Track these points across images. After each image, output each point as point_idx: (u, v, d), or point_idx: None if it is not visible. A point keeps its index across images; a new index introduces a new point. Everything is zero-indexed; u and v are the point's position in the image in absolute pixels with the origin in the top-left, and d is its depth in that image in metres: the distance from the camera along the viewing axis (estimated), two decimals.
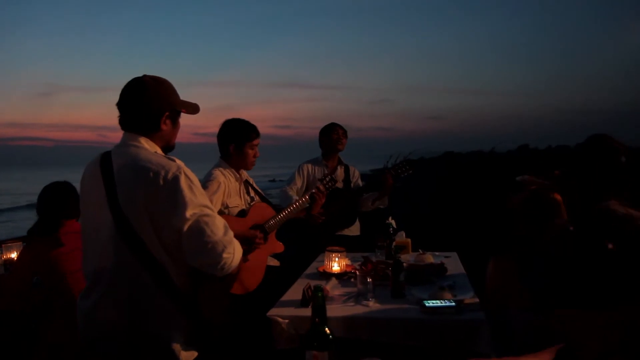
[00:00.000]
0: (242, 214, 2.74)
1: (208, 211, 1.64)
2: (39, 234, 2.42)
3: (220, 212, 2.68)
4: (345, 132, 3.80)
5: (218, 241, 1.61)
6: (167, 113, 1.73)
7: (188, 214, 1.58)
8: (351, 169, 3.88)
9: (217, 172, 2.74)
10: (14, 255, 2.87)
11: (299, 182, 3.70)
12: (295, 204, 2.95)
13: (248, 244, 2.52)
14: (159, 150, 1.74)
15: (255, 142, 2.81)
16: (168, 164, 1.62)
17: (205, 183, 2.68)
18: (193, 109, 1.86)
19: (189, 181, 1.62)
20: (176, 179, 1.59)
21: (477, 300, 2.31)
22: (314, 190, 3.04)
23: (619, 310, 0.95)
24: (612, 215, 1.28)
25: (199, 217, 1.60)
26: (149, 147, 1.70)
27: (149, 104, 1.70)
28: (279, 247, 2.89)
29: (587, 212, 1.39)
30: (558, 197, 2.04)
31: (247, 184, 2.92)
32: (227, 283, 1.85)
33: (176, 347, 1.63)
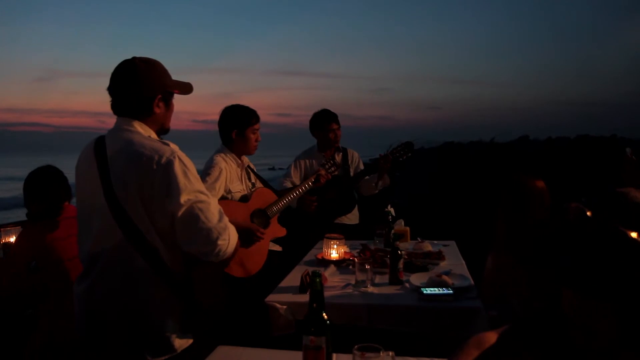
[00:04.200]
0: (245, 199, 2.77)
1: (203, 197, 1.61)
2: (36, 219, 2.41)
3: (224, 197, 2.71)
4: (339, 124, 3.69)
5: (212, 228, 1.59)
6: (159, 96, 1.69)
7: (182, 199, 1.56)
8: (349, 152, 3.80)
9: (219, 158, 2.76)
10: (12, 239, 2.86)
11: (295, 176, 3.66)
12: (299, 190, 3.00)
13: (248, 236, 2.52)
14: (153, 134, 1.71)
15: (256, 126, 2.86)
16: (162, 148, 1.60)
17: (207, 169, 2.71)
18: (186, 88, 1.81)
19: (183, 166, 1.59)
20: (170, 163, 1.56)
21: (473, 286, 2.32)
22: (315, 176, 3.07)
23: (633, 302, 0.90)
24: (632, 201, 1.24)
25: (193, 203, 1.57)
26: (142, 131, 1.67)
27: (140, 87, 1.66)
28: (282, 231, 2.92)
29: (604, 195, 1.34)
30: (541, 184, 2.01)
31: (248, 169, 2.94)
32: (220, 268, 1.84)
33: (171, 333, 1.62)
